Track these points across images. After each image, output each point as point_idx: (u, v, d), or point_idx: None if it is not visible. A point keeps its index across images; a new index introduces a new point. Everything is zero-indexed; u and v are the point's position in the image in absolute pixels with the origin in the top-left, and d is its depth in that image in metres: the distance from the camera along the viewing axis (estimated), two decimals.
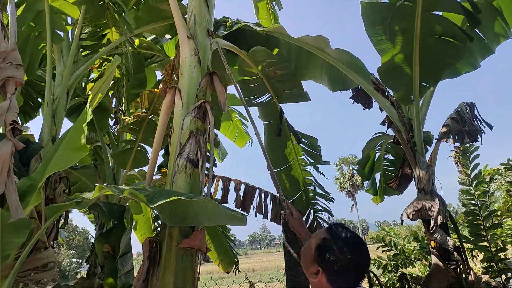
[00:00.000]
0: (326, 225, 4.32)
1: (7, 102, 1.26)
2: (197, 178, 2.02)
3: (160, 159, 5.11)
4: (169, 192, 1.84)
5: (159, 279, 1.82)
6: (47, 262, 2.12)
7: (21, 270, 2.03)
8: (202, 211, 1.78)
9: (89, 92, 3.88)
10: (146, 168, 4.66)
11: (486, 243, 3.68)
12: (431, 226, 2.45)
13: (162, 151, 3.99)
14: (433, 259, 2.49)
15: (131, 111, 3.98)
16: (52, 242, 2.66)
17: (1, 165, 1.17)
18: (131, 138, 4.08)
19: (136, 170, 4.48)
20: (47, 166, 2.03)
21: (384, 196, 4.34)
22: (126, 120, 3.55)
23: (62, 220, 3.09)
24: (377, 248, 4.82)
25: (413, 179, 2.80)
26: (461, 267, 2.42)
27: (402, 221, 2.59)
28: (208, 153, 2.53)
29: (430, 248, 2.51)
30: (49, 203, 2.68)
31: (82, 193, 1.97)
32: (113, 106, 3.80)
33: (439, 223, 2.44)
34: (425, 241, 4.49)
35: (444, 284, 2.36)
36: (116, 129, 3.87)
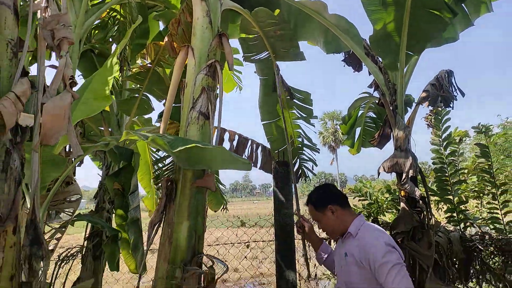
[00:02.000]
0: (310, 173, 4.75)
1: (63, 59, 1.51)
2: (208, 129, 2.34)
3: (158, 109, 5.37)
4: (186, 140, 2.16)
5: (176, 212, 2.18)
6: (74, 195, 2.45)
7: (52, 200, 2.37)
8: (215, 157, 2.11)
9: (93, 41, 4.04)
10: (145, 116, 4.94)
11: (450, 197, 4.18)
12: (402, 178, 2.87)
13: (164, 101, 4.25)
14: (402, 206, 2.93)
15: (137, 61, 4.16)
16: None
17: (64, 112, 1.45)
18: (133, 86, 4.30)
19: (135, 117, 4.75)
20: (73, 113, 2.31)
21: (361, 148, 4.75)
22: (133, 70, 3.76)
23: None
24: (354, 198, 5.31)
25: (392, 138, 3.18)
26: (424, 213, 2.86)
27: (378, 173, 3.00)
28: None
29: (400, 197, 2.94)
30: None
31: (107, 137, 2.27)
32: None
33: (409, 176, 2.85)
34: (397, 193, 5.00)
35: (409, 227, 2.81)
36: (120, 78, 4.08)
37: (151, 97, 4.05)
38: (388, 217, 5.34)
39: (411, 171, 2.85)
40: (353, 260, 2.09)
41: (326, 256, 2.48)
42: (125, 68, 3.99)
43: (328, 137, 66.44)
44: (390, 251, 2.00)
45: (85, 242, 3.55)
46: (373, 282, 2.04)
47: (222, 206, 5.40)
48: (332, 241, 3.55)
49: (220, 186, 5.44)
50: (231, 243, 4.32)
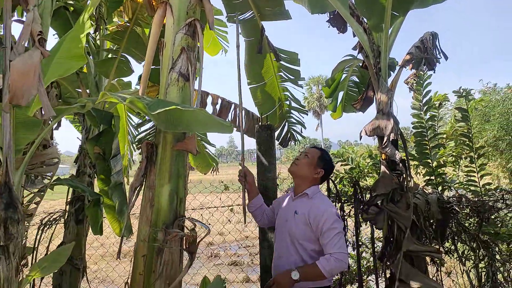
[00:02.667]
0: (299, 137, 4.75)
1: (31, 14, 1.42)
2: (188, 91, 2.28)
3: (138, 71, 5.22)
4: (165, 102, 2.10)
5: (156, 175, 2.16)
6: (52, 158, 2.39)
7: (29, 164, 2.31)
8: (195, 119, 2.07)
9: None
10: (124, 78, 4.80)
11: (429, 161, 4.26)
12: (384, 142, 2.88)
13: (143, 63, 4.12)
14: (382, 169, 2.96)
15: (113, 20, 3.98)
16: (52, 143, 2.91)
17: (34, 71, 1.37)
18: (111, 47, 4.14)
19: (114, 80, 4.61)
20: (46, 73, 2.21)
21: (343, 113, 4.75)
22: (110, 29, 3.60)
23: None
24: (336, 163, 5.37)
25: (374, 102, 3.17)
26: (403, 176, 2.91)
27: (360, 137, 3.01)
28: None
29: (381, 160, 2.98)
30: None
31: (84, 98, 2.20)
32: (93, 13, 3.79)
33: (390, 139, 2.86)
34: (378, 158, 5.06)
35: (388, 189, 2.86)
36: (97, 37, 3.91)
37: (130, 59, 3.91)
38: (369, 182, 5.43)
39: (392, 135, 2.86)
40: (303, 219, 2.38)
41: (256, 208, 2.81)
42: (101, 27, 3.82)
43: (313, 102, 66.53)
44: (338, 220, 2.35)
45: (67, 206, 3.52)
46: (312, 240, 2.35)
47: (211, 169, 5.40)
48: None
49: (209, 147, 5.39)
50: (215, 207, 4.35)
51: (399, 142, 3.06)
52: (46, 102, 1.42)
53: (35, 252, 3.64)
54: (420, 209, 3.10)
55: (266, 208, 2.83)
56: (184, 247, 2.02)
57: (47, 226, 3.97)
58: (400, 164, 2.87)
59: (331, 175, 3.12)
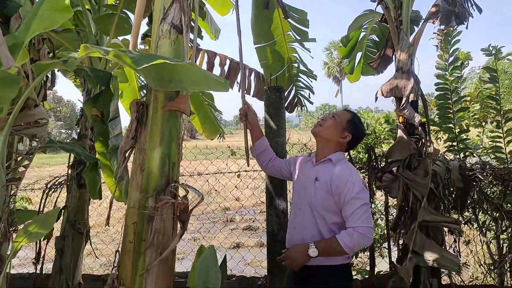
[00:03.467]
0: (306, 102, 4.50)
1: None
2: (181, 44, 2.05)
3: (144, 28, 4.97)
4: (154, 56, 1.89)
5: (147, 137, 1.98)
6: (39, 119, 2.24)
7: (15, 125, 2.17)
8: (187, 76, 1.85)
9: None
10: (129, 37, 4.57)
11: (451, 125, 3.97)
12: (402, 103, 2.62)
13: (146, 20, 3.88)
14: (399, 133, 2.72)
15: None
16: (41, 103, 2.76)
17: None
18: (113, 3, 3.90)
19: (120, 38, 4.39)
20: (31, 26, 2.01)
21: (361, 76, 4.43)
22: None
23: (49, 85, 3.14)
24: None
25: (394, 60, 2.87)
26: (422, 141, 2.66)
27: (376, 98, 2.75)
28: (192, 22, 2.51)
29: (398, 123, 2.72)
30: None
31: (68, 53, 2.00)
32: None
33: (410, 100, 2.60)
34: (395, 123, 4.79)
35: (405, 154, 2.62)
36: None
37: (131, 15, 3.67)
38: (385, 148, 5.18)
39: (411, 95, 2.59)
40: (324, 187, 2.12)
41: (260, 151, 2.53)
42: None
43: (333, 68, 64.90)
44: (365, 190, 2.07)
45: (69, 170, 3.43)
46: (333, 211, 2.10)
47: (218, 135, 5.23)
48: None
49: (224, 118, 5.19)
50: (221, 173, 4.20)
51: (419, 104, 2.79)
52: (4, 51, 1.23)
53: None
54: (439, 176, 2.87)
55: (275, 156, 2.58)
56: (176, 215, 1.86)
57: (52, 190, 3.92)
58: (419, 128, 2.61)
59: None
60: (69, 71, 3.23)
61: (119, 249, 1.99)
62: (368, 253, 3.50)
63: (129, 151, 2.05)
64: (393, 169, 2.73)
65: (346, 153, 2.50)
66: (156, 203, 1.87)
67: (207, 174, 4.25)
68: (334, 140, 2.23)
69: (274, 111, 3.46)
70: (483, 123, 4.70)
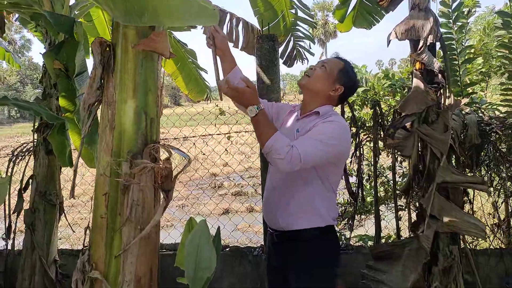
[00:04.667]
0: (306, 53, 4.07)
1: None
2: None
3: None
4: None
5: (116, 87, 1.57)
6: None
7: None
8: (162, 3, 1.43)
9: None
10: None
11: (457, 78, 3.64)
12: (419, 47, 2.24)
13: None
14: (414, 82, 2.35)
15: None
16: None
17: None
18: None
19: None
20: None
21: (352, 26, 3.97)
22: None
23: None
24: None
25: None
26: (441, 91, 2.31)
27: (388, 42, 2.35)
28: None
29: (414, 70, 2.35)
30: None
31: None
32: None
33: (428, 43, 2.22)
34: (396, 78, 4.40)
35: (422, 106, 2.27)
36: None
37: None
38: (384, 106, 4.83)
39: (430, 37, 2.21)
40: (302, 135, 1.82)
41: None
42: None
43: (317, 30, 63.48)
44: (338, 138, 1.78)
45: (35, 135, 2.99)
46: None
47: (205, 96, 4.80)
48: None
49: (201, 72, 4.75)
50: (210, 135, 3.82)
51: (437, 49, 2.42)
52: None
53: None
54: (455, 132, 2.54)
55: None
56: (158, 183, 1.49)
57: (19, 158, 3.50)
58: (439, 75, 2.25)
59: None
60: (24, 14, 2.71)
61: (90, 226, 1.62)
62: (373, 216, 3.24)
63: (95, 104, 1.64)
64: (406, 124, 2.39)
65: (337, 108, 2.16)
66: (131, 169, 1.49)
67: (193, 137, 3.86)
68: (323, 93, 1.91)
69: (267, 64, 3.05)
70: (486, 77, 4.40)
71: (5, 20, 3.85)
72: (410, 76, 2.61)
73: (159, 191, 1.54)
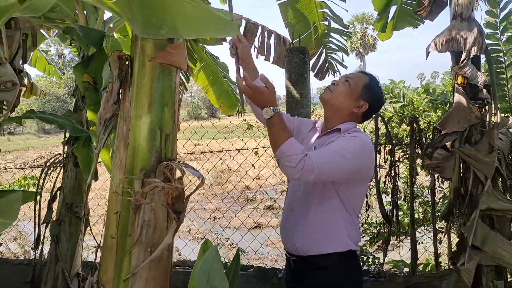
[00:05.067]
0: (339, 66, 3.93)
1: None
2: None
3: None
4: None
5: (132, 102, 1.51)
6: (6, 81, 1.80)
7: None
8: (182, 16, 1.36)
9: None
10: None
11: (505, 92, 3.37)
12: (462, 59, 2.05)
13: None
14: (456, 98, 2.16)
15: None
16: (21, 67, 2.34)
17: None
18: None
19: None
20: None
21: (393, 31, 3.76)
22: None
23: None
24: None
25: (448, 5, 2.28)
26: (487, 107, 2.10)
27: (427, 54, 2.18)
28: None
29: (456, 84, 2.16)
30: None
31: None
32: None
33: (471, 56, 2.03)
34: (437, 92, 4.15)
35: (464, 124, 2.07)
36: None
37: None
38: (422, 122, 4.59)
39: (474, 48, 2.02)
40: None
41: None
42: None
43: (356, 42, 62.75)
44: (363, 155, 1.68)
45: (65, 147, 3.02)
46: (328, 184, 1.70)
47: (236, 109, 4.76)
48: None
49: (233, 86, 4.72)
50: (237, 150, 3.74)
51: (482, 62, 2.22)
52: None
53: (38, 197, 3.26)
54: (502, 153, 2.30)
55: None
56: (169, 203, 1.40)
57: (51, 169, 3.56)
58: (484, 91, 2.05)
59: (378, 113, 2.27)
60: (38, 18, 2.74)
61: (101, 244, 1.56)
62: (409, 241, 3.00)
63: (111, 119, 1.59)
64: (447, 143, 2.19)
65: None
66: (143, 188, 1.41)
67: (220, 151, 3.79)
68: (346, 110, 1.80)
69: (297, 77, 2.95)
70: None
71: (47, 35, 4.00)
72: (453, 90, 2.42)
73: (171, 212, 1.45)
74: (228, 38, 3.72)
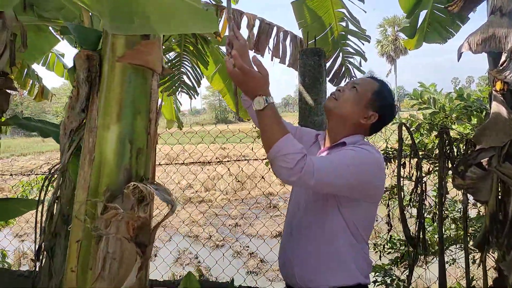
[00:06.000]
0: (356, 71, 3.64)
1: None
2: None
3: None
4: None
5: (99, 109, 1.28)
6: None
7: None
8: (153, 5, 1.12)
9: None
10: None
11: None
12: (501, 61, 1.72)
13: None
14: (494, 107, 1.82)
15: None
16: (9, 69, 2.16)
17: None
18: None
19: None
20: None
21: (423, 42, 3.45)
22: None
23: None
24: (412, 106, 4.17)
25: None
26: None
27: (460, 55, 1.86)
28: None
29: (493, 91, 1.83)
30: None
31: None
32: None
33: None
34: (472, 99, 3.75)
35: (504, 139, 1.74)
36: None
37: None
38: (455, 131, 4.16)
39: None
40: None
41: (250, 104, 1.59)
42: None
43: (387, 46, 61.37)
44: (371, 170, 1.41)
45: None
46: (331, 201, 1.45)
47: None
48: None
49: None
50: (246, 160, 3.48)
51: None
52: None
53: (40, 206, 3.12)
54: None
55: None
56: (130, 234, 1.15)
57: (55, 177, 3.42)
58: None
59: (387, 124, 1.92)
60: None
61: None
62: (437, 265, 2.65)
63: (78, 130, 1.37)
64: (482, 160, 1.85)
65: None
66: (103, 214, 1.17)
67: (228, 161, 3.54)
68: (352, 120, 1.52)
69: (311, 82, 2.67)
70: None
71: (59, 37, 3.89)
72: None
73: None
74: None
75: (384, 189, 1.64)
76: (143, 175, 1.29)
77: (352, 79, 3.67)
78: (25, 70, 4.40)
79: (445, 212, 2.71)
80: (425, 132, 3.55)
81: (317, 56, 2.67)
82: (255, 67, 1.34)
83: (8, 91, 2.10)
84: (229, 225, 7.78)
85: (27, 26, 2.56)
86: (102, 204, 1.19)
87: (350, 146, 1.46)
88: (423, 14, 3.38)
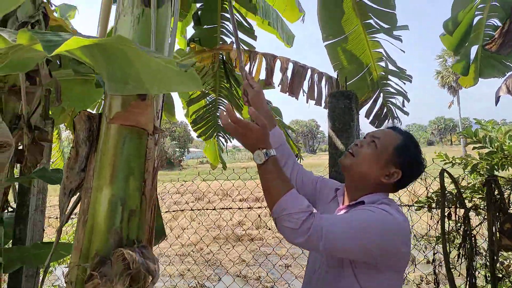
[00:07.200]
0: (399, 113, 3.45)
1: None
2: (148, 23, 1.31)
3: (190, 32, 4.40)
4: (88, 37, 1.19)
5: (95, 170, 1.27)
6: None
7: None
8: (147, 70, 1.12)
9: None
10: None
11: None
12: None
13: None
14: None
15: None
16: (42, 123, 2.29)
17: None
18: None
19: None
20: None
21: (479, 78, 3.19)
22: None
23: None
24: (466, 145, 3.86)
25: None
26: None
27: (497, 100, 1.66)
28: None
29: None
30: None
31: None
32: None
33: None
34: None
35: None
36: None
37: None
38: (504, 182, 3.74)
39: None
40: None
41: (276, 147, 1.59)
42: None
43: (448, 77, 58.93)
44: (392, 234, 1.21)
45: None
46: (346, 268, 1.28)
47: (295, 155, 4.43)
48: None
49: (288, 131, 4.43)
50: (250, 208, 3.36)
51: None
52: None
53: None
54: None
55: (297, 164, 1.71)
56: None
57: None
58: None
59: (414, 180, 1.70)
60: None
61: None
62: None
63: (78, 190, 1.36)
64: None
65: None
66: (88, 282, 1.13)
67: (230, 208, 3.43)
68: (373, 180, 1.38)
69: (342, 126, 2.54)
70: None
71: None
72: None
73: None
74: (277, 84, 3.49)
75: (410, 255, 1.44)
76: (135, 238, 1.24)
77: (394, 119, 3.48)
78: None
79: (499, 271, 2.37)
80: (481, 172, 3.24)
81: (348, 99, 2.55)
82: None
83: (43, 143, 2.21)
84: (279, 265, 7.52)
85: (73, 80, 2.75)
86: (89, 270, 1.15)
87: (368, 205, 1.32)
88: (474, 49, 3.16)
